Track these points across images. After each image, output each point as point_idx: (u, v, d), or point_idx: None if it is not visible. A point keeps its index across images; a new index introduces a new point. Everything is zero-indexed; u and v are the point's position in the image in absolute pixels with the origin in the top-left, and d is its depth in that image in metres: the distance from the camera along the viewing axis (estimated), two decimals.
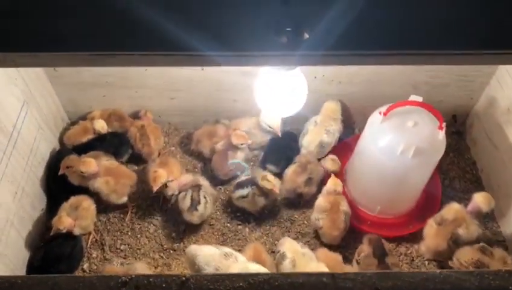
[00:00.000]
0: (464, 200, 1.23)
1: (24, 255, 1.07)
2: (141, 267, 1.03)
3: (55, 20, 0.63)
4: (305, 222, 1.21)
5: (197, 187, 1.14)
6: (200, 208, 1.13)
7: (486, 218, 1.24)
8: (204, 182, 1.16)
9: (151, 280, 0.62)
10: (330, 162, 1.18)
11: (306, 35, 0.70)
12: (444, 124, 1.01)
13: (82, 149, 1.22)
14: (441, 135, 1.01)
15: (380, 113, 1.04)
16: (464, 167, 1.33)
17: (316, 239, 1.19)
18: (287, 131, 1.30)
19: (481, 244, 1.02)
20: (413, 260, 1.17)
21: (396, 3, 0.73)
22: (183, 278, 0.62)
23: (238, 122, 1.29)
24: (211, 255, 1.01)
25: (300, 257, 1.04)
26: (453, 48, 0.70)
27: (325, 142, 1.22)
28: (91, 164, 1.11)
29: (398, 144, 0.99)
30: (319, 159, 1.22)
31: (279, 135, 1.22)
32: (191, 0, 0.71)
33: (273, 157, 1.23)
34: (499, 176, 1.21)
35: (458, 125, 1.40)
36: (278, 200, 1.22)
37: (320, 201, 1.11)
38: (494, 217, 1.23)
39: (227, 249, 1.03)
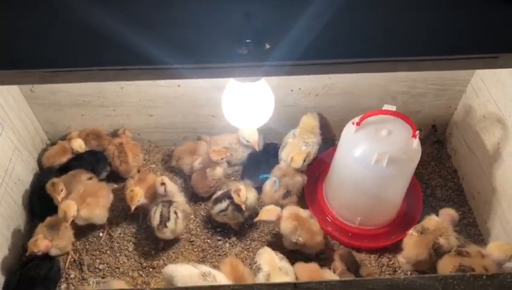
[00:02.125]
0: (446, 208, 1.23)
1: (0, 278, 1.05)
2: (118, 284, 1.02)
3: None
4: None
5: (167, 203, 1.14)
6: (170, 224, 1.12)
7: (468, 226, 1.24)
8: (179, 198, 1.15)
9: None
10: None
11: (267, 46, 0.71)
12: (417, 132, 1.01)
13: (61, 170, 1.23)
14: (415, 143, 1.01)
15: (353, 123, 1.04)
16: (445, 175, 1.33)
17: (296, 254, 1.17)
18: (268, 144, 1.30)
19: (455, 249, 1.01)
20: (395, 270, 1.15)
21: (356, 14, 0.75)
22: None
23: (218, 138, 1.29)
24: (188, 276, 0.99)
25: (276, 271, 1.02)
26: (416, 54, 0.72)
27: (305, 159, 1.21)
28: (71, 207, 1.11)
29: (371, 154, 0.99)
30: (302, 171, 1.21)
31: (257, 148, 1.22)
32: (153, 15, 0.72)
33: (251, 172, 1.23)
34: (479, 183, 1.21)
35: (439, 135, 1.40)
36: (257, 213, 1.22)
37: (287, 226, 1.09)
38: (477, 224, 1.22)
39: (205, 268, 1.02)
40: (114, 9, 0.72)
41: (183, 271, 1.00)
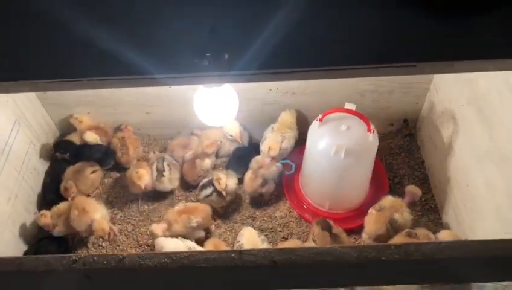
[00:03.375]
0: (411, 185, 1.36)
1: (18, 252, 1.24)
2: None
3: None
4: (265, 218, 1.36)
5: (161, 158, 1.37)
6: (166, 174, 1.34)
7: (430, 211, 1.37)
8: (167, 157, 1.38)
9: (95, 258, 0.78)
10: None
11: (226, 56, 0.86)
12: (372, 128, 1.15)
13: (73, 155, 1.41)
14: (371, 137, 1.15)
15: (317, 119, 1.18)
16: (413, 165, 1.46)
17: (274, 233, 1.33)
18: (253, 143, 1.45)
19: (406, 230, 1.14)
20: None
21: (311, 24, 0.88)
22: (120, 257, 0.78)
23: (208, 132, 1.45)
24: (175, 248, 1.17)
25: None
26: (346, 64, 0.86)
27: (282, 147, 1.36)
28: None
29: (331, 146, 1.14)
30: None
31: (239, 141, 1.38)
32: (128, 33, 0.88)
33: (235, 164, 1.39)
34: (439, 173, 1.34)
35: (410, 128, 1.53)
36: (241, 198, 1.38)
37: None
38: (437, 209, 1.36)
39: (190, 243, 1.19)
40: (94, 24, 0.88)
41: (171, 244, 1.17)
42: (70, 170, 1.36)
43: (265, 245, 1.20)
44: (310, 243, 1.17)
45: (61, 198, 1.33)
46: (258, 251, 0.78)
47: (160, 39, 0.88)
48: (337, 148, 1.13)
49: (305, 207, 1.35)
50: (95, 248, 1.32)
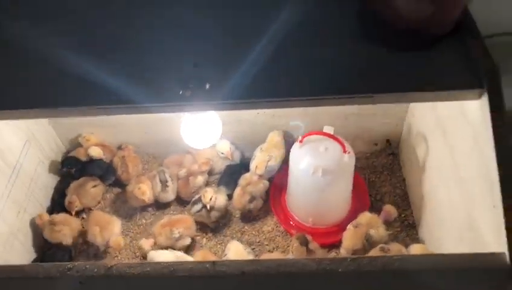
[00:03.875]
0: (388, 205, 1.45)
1: (27, 261, 1.36)
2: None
3: None
4: (253, 233, 1.46)
5: (162, 171, 1.49)
6: (169, 184, 1.46)
7: (408, 227, 1.45)
8: (167, 169, 1.51)
9: (87, 266, 0.89)
10: None
11: (207, 86, 0.98)
12: (348, 149, 1.25)
13: (78, 170, 1.53)
14: (346, 157, 1.24)
15: (298, 141, 1.29)
16: (394, 183, 1.55)
17: (261, 247, 1.43)
18: (244, 161, 1.56)
19: (380, 245, 1.23)
20: None
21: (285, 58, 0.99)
22: (109, 265, 0.89)
23: (202, 151, 1.56)
24: (166, 259, 1.27)
25: None
26: (313, 94, 0.96)
27: (268, 165, 1.46)
28: None
29: (310, 167, 1.24)
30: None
31: (230, 158, 1.49)
32: (118, 63, 1.00)
33: (226, 180, 1.50)
34: (416, 191, 1.42)
35: (393, 148, 1.62)
36: (231, 214, 1.49)
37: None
38: (415, 225, 1.44)
39: (179, 254, 1.30)
40: (89, 58, 1.01)
41: (161, 256, 1.28)
42: (73, 185, 1.48)
43: (251, 257, 1.29)
44: (289, 256, 1.27)
45: (68, 212, 1.46)
46: (229, 262, 0.88)
47: (149, 72, 1.01)
48: (314, 168, 1.23)
49: (291, 222, 1.44)
50: (94, 258, 1.44)
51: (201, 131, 1.22)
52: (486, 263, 0.85)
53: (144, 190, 1.43)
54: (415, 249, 1.21)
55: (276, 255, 1.29)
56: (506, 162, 0.86)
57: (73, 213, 1.44)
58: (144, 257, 1.34)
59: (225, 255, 1.33)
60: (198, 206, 1.40)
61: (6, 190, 1.29)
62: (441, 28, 0.97)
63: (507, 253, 0.83)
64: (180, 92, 0.97)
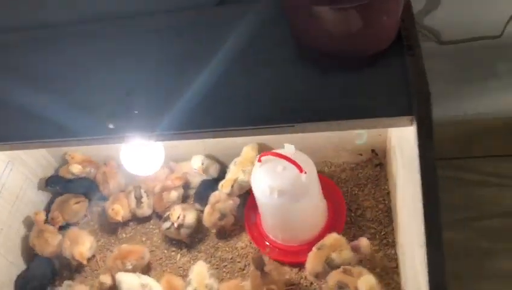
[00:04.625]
0: (371, 229, 1.38)
1: (12, 273, 1.44)
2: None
3: None
4: (227, 249, 1.44)
5: (138, 187, 1.51)
6: (144, 200, 1.49)
7: (387, 245, 1.36)
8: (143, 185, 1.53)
9: None
10: None
11: (135, 112, 0.97)
12: (305, 169, 1.18)
13: (63, 188, 1.59)
14: (304, 177, 1.18)
15: (257, 160, 1.24)
16: (378, 197, 1.45)
17: (233, 264, 1.41)
18: (222, 175, 1.53)
19: (343, 267, 1.15)
20: (311, 283, 1.33)
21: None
22: None
23: (181, 165, 1.56)
24: (131, 285, 1.30)
25: (202, 288, 1.26)
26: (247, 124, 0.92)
27: (241, 180, 1.43)
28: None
29: (266, 187, 1.19)
30: (239, 196, 1.44)
31: (202, 173, 1.47)
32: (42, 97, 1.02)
33: (199, 197, 1.49)
34: (398, 207, 1.33)
35: (381, 158, 1.52)
36: (207, 229, 1.47)
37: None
38: (395, 244, 1.34)
39: (145, 280, 1.31)
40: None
41: (127, 280, 1.30)
42: (57, 201, 1.54)
43: (212, 280, 1.27)
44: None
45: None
46: None
47: (80, 104, 1.01)
48: (270, 189, 1.18)
49: (264, 239, 1.40)
50: (77, 272, 1.49)
51: (141, 159, 1.21)
52: None
53: (117, 211, 1.46)
54: (364, 280, 1.12)
55: (234, 283, 1.26)
56: (430, 195, 0.78)
57: (57, 228, 1.50)
58: None
59: (188, 277, 1.32)
60: (167, 224, 1.40)
61: None
62: (372, 48, 0.88)
63: None
64: (110, 126, 0.97)
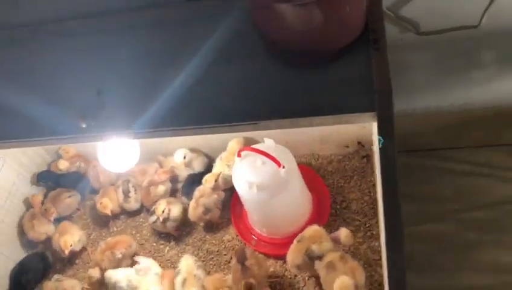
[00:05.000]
0: (356, 221, 1.37)
1: (7, 267, 1.49)
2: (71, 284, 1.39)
3: None
4: (214, 241, 1.46)
5: (126, 181, 1.54)
6: (132, 195, 1.52)
7: (371, 238, 1.36)
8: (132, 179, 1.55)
9: None
10: None
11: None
12: (282, 164, 1.18)
13: (55, 183, 1.62)
14: (282, 172, 1.18)
15: (237, 155, 1.24)
16: (364, 189, 1.44)
17: (219, 256, 1.42)
18: (209, 169, 1.54)
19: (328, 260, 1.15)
20: (296, 275, 1.34)
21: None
22: None
23: (169, 160, 1.57)
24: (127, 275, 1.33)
25: (191, 278, 1.29)
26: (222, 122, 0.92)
27: (226, 174, 1.44)
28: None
29: (246, 182, 1.20)
30: (225, 190, 1.45)
31: (184, 167, 1.49)
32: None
33: (186, 190, 1.50)
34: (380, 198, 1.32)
35: (367, 150, 1.51)
36: (195, 222, 1.49)
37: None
38: (378, 236, 1.34)
39: (132, 275, 1.33)
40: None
41: (119, 274, 1.33)
42: (50, 195, 1.58)
43: (199, 271, 1.29)
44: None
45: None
46: None
47: (53, 103, 1.03)
48: (249, 184, 1.18)
49: (251, 232, 1.41)
50: (70, 264, 1.53)
51: (117, 155, 1.22)
52: None
53: (105, 204, 1.48)
54: (340, 282, 1.11)
55: (217, 277, 1.27)
56: (389, 190, 0.77)
57: (52, 220, 1.53)
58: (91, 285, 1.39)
59: (177, 268, 1.34)
60: (154, 218, 1.42)
61: None
62: (337, 43, 0.87)
63: None
64: (84, 125, 0.98)
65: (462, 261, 1.31)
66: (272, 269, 1.35)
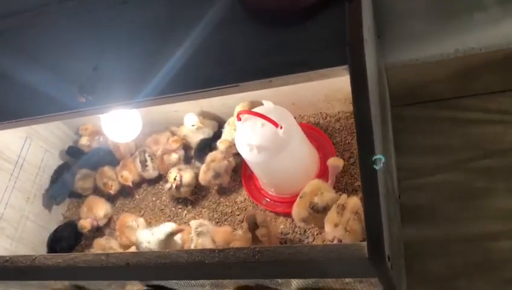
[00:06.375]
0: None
1: (43, 236, 1.62)
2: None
3: None
4: (227, 203, 1.52)
5: (142, 151, 1.61)
6: (149, 164, 1.59)
7: None
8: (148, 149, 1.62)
9: (19, 258, 1.06)
10: None
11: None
12: (279, 125, 1.20)
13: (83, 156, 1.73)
14: (281, 132, 1.21)
15: (237, 119, 1.28)
16: None
17: (233, 217, 1.49)
18: (219, 133, 1.58)
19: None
20: (305, 231, 1.38)
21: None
22: (33, 257, 1.04)
23: (181, 129, 1.63)
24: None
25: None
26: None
27: (234, 139, 1.47)
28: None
29: (246, 144, 1.24)
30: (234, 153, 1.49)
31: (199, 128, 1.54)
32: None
33: (197, 155, 1.56)
34: None
35: None
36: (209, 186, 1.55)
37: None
38: None
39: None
40: None
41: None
42: (99, 172, 1.67)
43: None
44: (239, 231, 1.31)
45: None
46: (118, 254, 0.97)
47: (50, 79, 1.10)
48: (249, 147, 1.22)
49: (261, 193, 1.46)
50: (98, 232, 1.65)
51: (121, 126, 1.29)
52: (348, 254, 0.81)
53: (126, 177, 1.58)
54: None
55: (227, 229, 1.34)
56: (364, 142, 0.79)
57: (112, 192, 1.64)
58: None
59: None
60: (168, 185, 1.50)
61: (10, 183, 1.53)
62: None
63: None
64: (83, 100, 1.05)
65: (471, 210, 1.30)
66: (282, 226, 1.40)
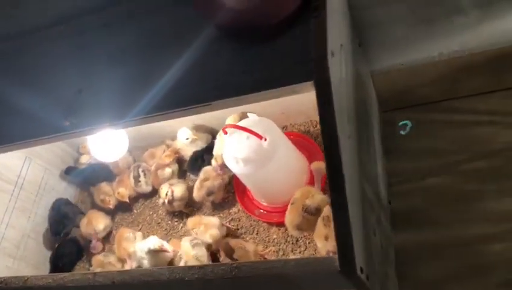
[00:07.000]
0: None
1: (45, 254, 1.66)
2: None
3: None
4: (221, 215, 1.53)
5: (136, 167, 1.64)
6: (142, 179, 1.61)
7: None
8: (143, 164, 1.65)
9: (13, 279, 1.09)
10: None
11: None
12: (264, 137, 1.22)
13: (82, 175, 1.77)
14: (265, 144, 1.22)
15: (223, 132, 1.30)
16: None
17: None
18: (211, 145, 1.60)
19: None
20: (297, 240, 1.39)
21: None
22: (25, 278, 1.07)
23: (175, 142, 1.66)
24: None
25: (191, 259, 1.36)
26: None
27: None
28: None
29: (233, 157, 1.25)
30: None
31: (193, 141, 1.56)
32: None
33: (191, 167, 1.58)
34: None
35: None
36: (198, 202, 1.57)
37: None
38: None
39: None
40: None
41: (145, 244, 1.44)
42: (96, 189, 1.71)
43: (196, 249, 1.36)
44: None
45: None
46: (105, 273, 1.00)
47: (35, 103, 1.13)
48: (235, 159, 1.24)
49: (254, 203, 1.47)
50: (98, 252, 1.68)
51: (107, 146, 1.32)
52: (321, 267, 0.81)
53: (123, 194, 1.61)
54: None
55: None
56: (332, 153, 0.79)
57: (111, 207, 1.68)
58: None
59: (179, 254, 1.42)
60: (161, 200, 1.52)
61: (10, 203, 1.57)
62: (277, 15, 0.89)
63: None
64: (67, 123, 1.08)
65: (463, 213, 1.30)
66: (274, 236, 1.42)
